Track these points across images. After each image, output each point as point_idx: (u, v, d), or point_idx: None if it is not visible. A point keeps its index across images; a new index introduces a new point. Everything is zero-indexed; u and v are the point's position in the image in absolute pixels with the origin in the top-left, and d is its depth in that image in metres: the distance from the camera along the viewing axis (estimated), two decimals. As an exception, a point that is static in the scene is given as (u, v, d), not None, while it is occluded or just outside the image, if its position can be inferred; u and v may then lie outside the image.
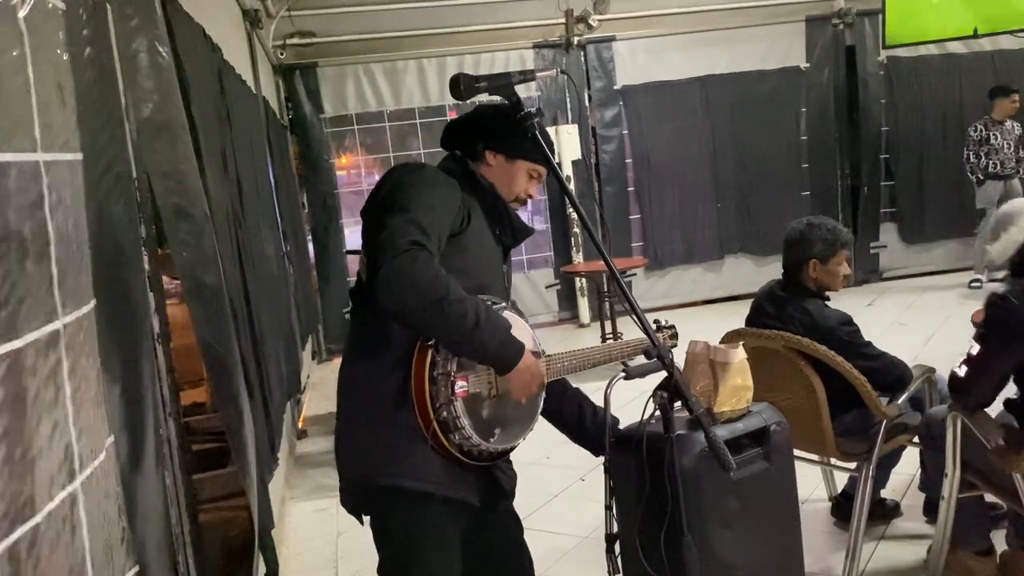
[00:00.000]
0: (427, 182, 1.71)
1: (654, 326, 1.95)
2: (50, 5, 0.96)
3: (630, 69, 7.48)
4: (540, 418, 1.92)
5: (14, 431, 0.79)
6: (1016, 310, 2.28)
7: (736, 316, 3.24)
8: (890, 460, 3.05)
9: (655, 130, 7.55)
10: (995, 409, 2.55)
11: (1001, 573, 2.65)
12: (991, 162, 6.87)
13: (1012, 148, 6.90)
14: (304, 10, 6.76)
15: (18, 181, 0.84)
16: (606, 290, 6.23)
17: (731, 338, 2.84)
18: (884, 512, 3.17)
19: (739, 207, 7.73)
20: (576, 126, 7.23)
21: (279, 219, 5.37)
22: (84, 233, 1.02)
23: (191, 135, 2.09)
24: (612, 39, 7.43)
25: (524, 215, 2.12)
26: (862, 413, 2.80)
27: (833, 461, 2.95)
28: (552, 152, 1.76)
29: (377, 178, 2.16)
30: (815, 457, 2.92)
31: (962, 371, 2.45)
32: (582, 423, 2.08)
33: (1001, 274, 7.74)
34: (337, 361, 1.92)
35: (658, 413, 1.75)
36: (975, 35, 7.14)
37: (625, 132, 7.57)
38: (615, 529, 1.94)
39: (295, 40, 6.95)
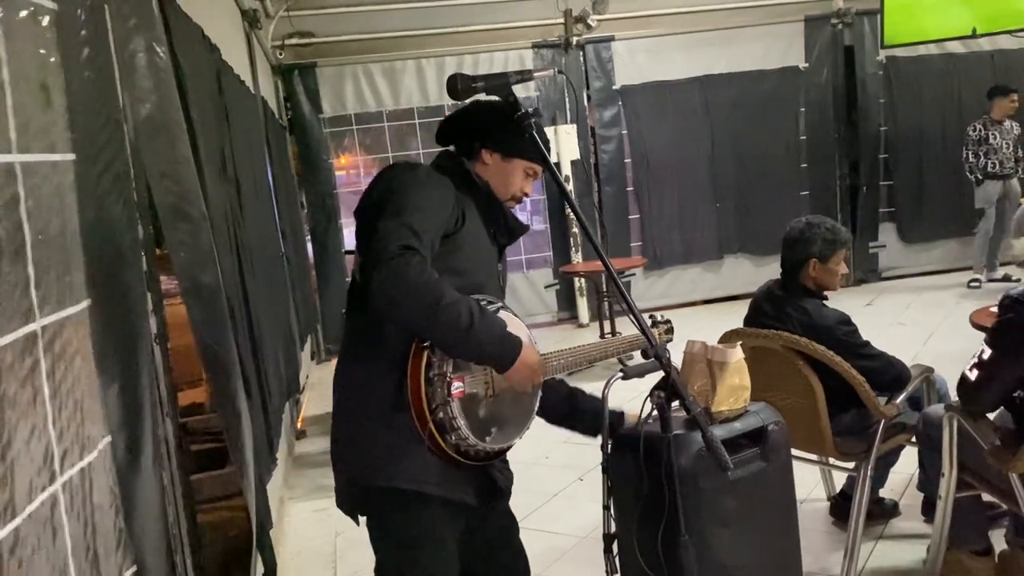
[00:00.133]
0: (420, 183, 1.71)
1: (649, 322, 1.95)
2: (33, 7, 0.96)
3: (629, 69, 7.49)
4: (538, 418, 1.92)
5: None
6: None
7: (735, 316, 3.24)
8: (888, 460, 3.05)
9: (654, 130, 7.55)
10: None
11: (999, 572, 2.65)
12: (990, 162, 6.87)
13: (1011, 148, 6.90)
14: (303, 10, 6.76)
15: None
16: (605, 290, 6.23)
17: (729, 338, 2.85)
18: (882, 512, 3.18)
19: (738, 207, 7.73)
20: (575, 126, 7.23)
21: (278, 219, 5.37)
22: (74, 234, 1.02)
23: (189, 135, 2.09)
24: (611, 39, 7.43)
25: (523, 215, 2.12)
26: (860, 413, 2.80)
27: (831, 461, 2.95)
28: (548, 152, 1.76)
29: (375, 178, 2.15)
30: (813, 457, 2.92)
31: (972, 375, 2.39)
32: (574, 406, 2.06)
33: (1000, 274, 7.73)
34: (335, 361, 1.92)
35: (655, 413, 1.75)
36: (974, 35, 7.14)
37: (624, 132, 7.57)
38: (613, 529, 1.94)
39: (294, 40, 6.95)
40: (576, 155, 7.06)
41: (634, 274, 7.39)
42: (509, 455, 1.92)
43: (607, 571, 1.93)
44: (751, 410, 2.10)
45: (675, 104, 7.54)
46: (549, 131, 6.99)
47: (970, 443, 2.49)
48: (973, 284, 7.07)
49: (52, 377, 0.92)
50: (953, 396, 2.57)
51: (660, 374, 1.71)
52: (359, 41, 7.10)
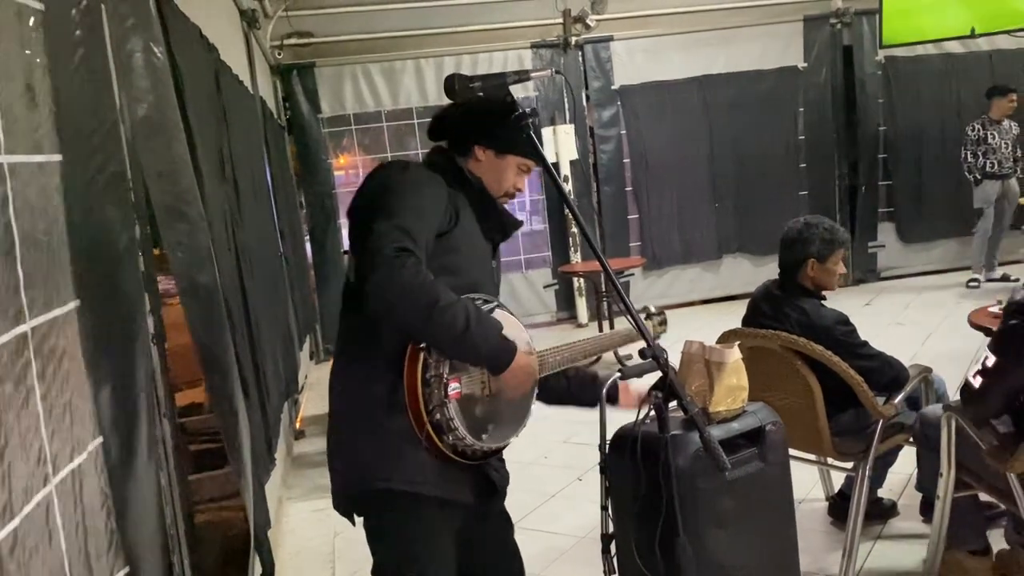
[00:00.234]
0: (413, 183, 1.70)
1: (643, 314, 1.94)
2: (17, 8, 0.96)
3: (628, 69, 7.49)
4: (538, 417, 1.92)
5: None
6: None
7: (734, 316, 3.24)
8: (887, 460, 3.05)
9: (653, 130, 7.55)
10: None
11: (998, 572, 2.65)
12: (988, 162, 6.87)
13: (1009, 147, 6.90)
14: (302, 10, 6.75)
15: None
16: (604, 290, 6.23)
17: (727, 338, 2.85)
18: (881, 512, 3.17)
19: (737, 207, 7.73)
20: (573, 126, 7.23)
21: (276, 219, 5.37)
22: (61, 234, 1.02)
23: (187, 135, 2.09)
24: (610, 39, 7.43)
25: (522, 216, 2.12)
26: (859, 413, 2.80)
27: (830, 461, 2.95)
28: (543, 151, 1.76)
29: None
30: (812, 457, 2.92)
31: (976, 382, 2.35)
32: (570, 382, 2.04)
33: (999, 274, 7.72)
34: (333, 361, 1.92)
35: (653, 413, 1.75)
36: (972, 35, 7.14)
37: (623, 132, 7.57)
38: (611, 529, 1.94)
39: (293, 40, 6.94)
40: (575, 155, 7.06)
41: (633, 274, 7.39)
42: (507, 455, 1.92)
43: (605, 571, 1.92)
44: (749, 410, 2.10)
45: (674, 104, 7.54)
46: (548, 131, 7.00)
47: (968, 443, 2.48)
48: (972, 284, 7.07)
49: (43, 378, 0.92)
50: (951, 396, 2.57)
51: (658, 374, 1.71)
52: (358, 41, 7.10)
